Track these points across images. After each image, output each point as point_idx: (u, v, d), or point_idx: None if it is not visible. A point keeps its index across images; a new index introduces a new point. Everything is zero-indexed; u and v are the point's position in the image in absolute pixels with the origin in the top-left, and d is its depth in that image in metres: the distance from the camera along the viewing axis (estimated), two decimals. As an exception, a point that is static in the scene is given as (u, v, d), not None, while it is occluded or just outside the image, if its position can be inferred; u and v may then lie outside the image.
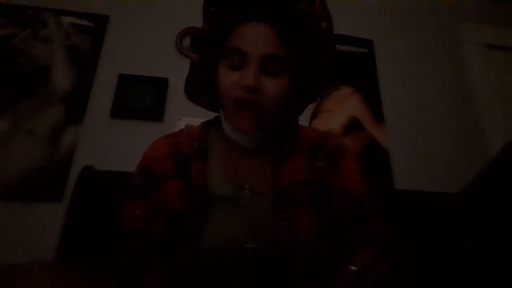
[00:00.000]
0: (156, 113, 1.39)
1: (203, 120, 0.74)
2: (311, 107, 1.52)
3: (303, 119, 1.49)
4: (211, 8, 0.60)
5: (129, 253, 0.57)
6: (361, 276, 0.39)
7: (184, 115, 1.39)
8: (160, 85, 1.43)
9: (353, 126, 1.52)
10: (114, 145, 1.32)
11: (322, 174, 0.62)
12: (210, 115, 0.74)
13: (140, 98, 1.40)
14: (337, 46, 1.66)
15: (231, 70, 0.57)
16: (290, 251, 0.54)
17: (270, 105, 0.56)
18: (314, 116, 1.52)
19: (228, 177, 0.61)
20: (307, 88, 0.64)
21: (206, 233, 0.55)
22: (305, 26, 0.58)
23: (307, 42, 0.59)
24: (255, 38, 0.55)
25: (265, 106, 0.56)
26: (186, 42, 1.54)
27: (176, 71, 1.47)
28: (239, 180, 0.60)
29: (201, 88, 0.67)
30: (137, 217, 0.58)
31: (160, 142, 0.66)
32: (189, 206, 0.57)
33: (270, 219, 0.56)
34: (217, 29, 0.60)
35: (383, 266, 0.41)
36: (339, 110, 1.54)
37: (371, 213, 0.60)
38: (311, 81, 0.64)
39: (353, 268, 0.40)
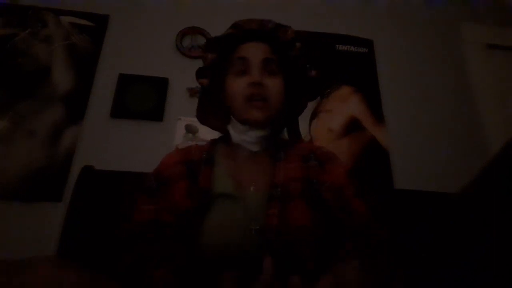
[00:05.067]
0: (156, 113, 1.39)
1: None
2: (311, 107, 1.52)
3: (303, 119, 1.49)
4: (211, 47, 0.76)
5: (138, 245, 0.61)
6: None
7: (184, 115, 1.40)
8: (160, 85, 1.43)
9: (353, 126, 1.52)
10: (114, 145, 1.32)
11: (313, 172, 0.71)
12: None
13: (140, 98, 1.40)
14: (337, 46, 1.66)
15: (238, 76, 0.70)
16: (279, 234, 0.60)
17: (274, 98, 0.69)
18: (314, 116, 1.52)
19: (232, 177, 0.68)
20: (296, 92, 0.78)
21: (209, 222, 0.61)
22: (284, 45, 0.75)
23: (288, 56, 0.75)
24: (254, 50, 0.72)
25: (270, 98, 0.69)
26: (186, 42, 1.55)
27: (176, 71, 1.47)
28: (242, 180, 0.68)
29: (211, 108, 0.78)
30: (148, 211, 0.64)
31: (173, 152, 0.76)
32: (195, 203, 0.64)
33: (265, 209, 0.64)
34: (220, 55, 0.75)
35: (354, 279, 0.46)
36: (339, 110, 1.54)
37: (352, 197, 0.67)
38: (298, 86, 0.78)
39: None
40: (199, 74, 0.77)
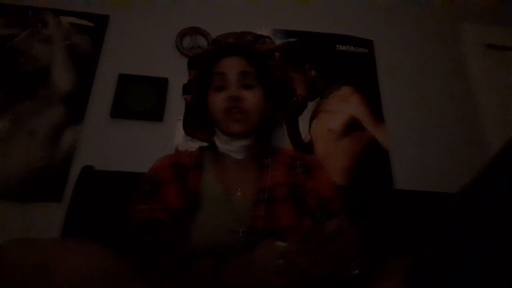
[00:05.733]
0: (156, 113, 1.39)
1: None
2: (311, 107, 1.52)
3: (303, 119, 1.49)
4: (192, 64, 0.81)
5: (136, 243, 0.62)
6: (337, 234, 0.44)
7: (184, 115, 1.39)
8: (160, 85, 1.43)
9: (353, 126, 1.52)
10: (114, 145, 1.32)
11: (299, 178, 0.75)
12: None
13: (140, 98, 1.40)
14: (337, 46, 1.66)
15: (217, 92, 0.74)
16: (266, 235, 0.63)
17: (252, 111, 0.73)
18: (314, 116, 1.52)
19: (219, 182, 0.72)
20: (277, 100, 0.80)
21: (198, 221, 0.65)
22: (262, 56, 0.78)
23: (267, 66, 0.78)
24: (231, 64, 0.75)
25: (248, 111, 0.72)
26: (186, 42, 1.55)
27: (176, 71, 1.47)
28: (229, 185, 0.72)
29: (196, 121, 0.82)
30: (142, 211, 0.67)
31: (164, 157, 0.79)
32: (185, 203, 0.67)
33: (251, 212, 0.67)
34: (202, 71, 0.78)
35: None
36: (339, 110, 1.54)
37: (338, 211, 0.71)
38: (279, 94, 0.81)
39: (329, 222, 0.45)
40: (184, 90, 0.81)
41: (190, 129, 0.83)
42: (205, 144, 0.85)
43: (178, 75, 1.46)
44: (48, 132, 1.30)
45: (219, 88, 0.74)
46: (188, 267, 0.56)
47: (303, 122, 1.48)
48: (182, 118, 1.42)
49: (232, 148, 0.75)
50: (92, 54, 1.45)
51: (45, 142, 1.29)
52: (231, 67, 0.75)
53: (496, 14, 1.87)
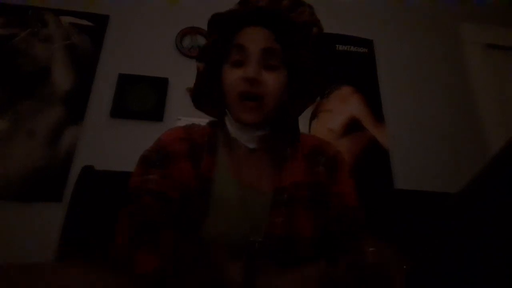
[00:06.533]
0: (156, 113, 1.39)
1: (202, 120, 0.77)
2: (311, 107, 1.52)
3: (303, 119, 1.49)
4: (213, 25, 0.67)
5: (142, 209, 0.57)
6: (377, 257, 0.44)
7: (184, 115, 1.40)
8: (160, 85, 1.43)
9: (353, 126, 1.52)
10: (114, 145, 1.32)
11: (321, 178, 0.67)
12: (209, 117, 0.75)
13: (140, 98, 1.40)
14: (337, 46, 1.66)
15: (234, 67, 0.62)
16: (283, 245, 0.59)
17: (271, 97, 0.61)
18: (314, 116, 1.52)
19: (233, 175, 0.65)
20: (302, 87, 0.69)
21: (209, 222, 0.58)
22: (296, 30, 0.65)
23: (299, 43, 0.65)
24: (254, 36, 0.62)
25: (266, 97, 0.61)
26: (186, 42, 1.55)
27: (176, 71, 1.47)
28: (243, 179, 0.64)
29: (207, 95, 0.71)
30: (151, 180, 0.59)
31: (176, 129, 0.70)
32: (198, 186, 0.61)
33: (268, 215, 0.61)
34: (221, 36, 0.66)
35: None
36: (339, 110, 1.54)
37: (361, 226, 0.66)
38: (305, 80, 0.69)
39: (372, 249, 0.45)
40: (200, 55, 0.69)
41: (199, 103, 0.72)
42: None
43: (178, 75, 1.46)
44: (48, 132, 1.30)
45: (236, 63, 0.62)
46: (204, 266, 0.53)
47: (303, 122, 1.48)
48: (182, 118, 1.44)
49: (243, 136, 0.66)
50: (92, 54, 1.45)
51: (45, 142, 1.29)
52: (254, 40, 0.61)
53: (496, 14, 1.87)
